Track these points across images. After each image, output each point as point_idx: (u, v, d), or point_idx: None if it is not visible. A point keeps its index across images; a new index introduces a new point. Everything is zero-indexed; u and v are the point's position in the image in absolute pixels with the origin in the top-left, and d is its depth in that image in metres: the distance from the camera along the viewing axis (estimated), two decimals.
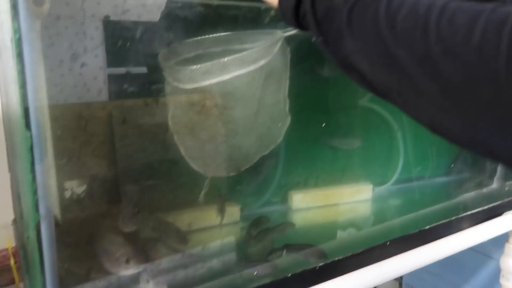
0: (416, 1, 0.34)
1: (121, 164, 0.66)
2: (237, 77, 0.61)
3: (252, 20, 0.73)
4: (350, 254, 0.72)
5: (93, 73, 0.61)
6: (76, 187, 0.62)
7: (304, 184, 0.93)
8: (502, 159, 0.32)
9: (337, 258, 0.70)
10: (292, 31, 0.66)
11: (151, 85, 0.68)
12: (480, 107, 0.30)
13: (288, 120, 0.70)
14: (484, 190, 1.08)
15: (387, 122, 1.00)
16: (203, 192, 0.70)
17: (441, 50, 0.31)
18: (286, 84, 0.68)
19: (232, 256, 0.74)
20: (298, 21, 0.43)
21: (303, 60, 0.76)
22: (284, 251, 0.81)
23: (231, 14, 0.71)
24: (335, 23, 0.39)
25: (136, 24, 0.62)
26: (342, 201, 0.96)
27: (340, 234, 0.87)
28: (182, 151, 0.65)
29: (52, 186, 0.56)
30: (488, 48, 0.29)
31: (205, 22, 0.69)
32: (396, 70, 0.35)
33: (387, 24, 0.35)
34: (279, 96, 0.67)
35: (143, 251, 0.61)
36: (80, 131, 0.62)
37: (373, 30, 0.36)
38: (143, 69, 0.67)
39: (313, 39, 0.42)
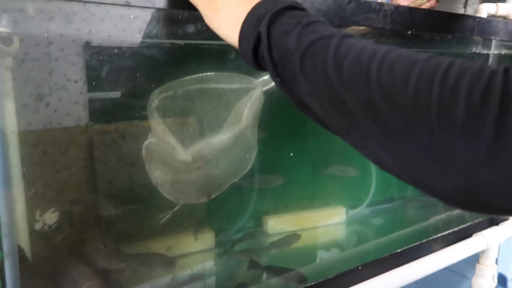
0: (360, 49, 0.37)
1: (101, 190, 0.66)
2: None
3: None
4: (322, 280, 0.72)
5: (74, 98, 0.61)
6: (49, 217, 0.61)
7: (278, 209, 0.93)
8: (441, 198, 0.34)
9: (309, 284, 0.71)
10: (270, 85, 0.69)
11: (131, 111, 0.68)
12: (417, 150, 0.32)
13: (256, 150, 0.73)
14: (455, 212, 1.10)
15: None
16: (164, 218, 0.71)
17: (381, 96, 0.34)
18: (257, 115, 0.69)
19: (207, 284, 0.74)
20: (257, 63, 0.45)
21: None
22: (264, 274, 0.81)
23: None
24: (289, 66, 0.41)
25: (117, 49, 0.62)
26: (316, 225, 0.97)
27: (314, 258, 0.87)
28: (153, 179, 0.65)
29: (20, 218, 0.55)
30: (422, 96, 0.31)
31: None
32: (344, 113, 0.37)
33: (334, 71, 0.37)
34: (248, 127, 0.68)
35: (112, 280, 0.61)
36: (59, 156, 0.62)
37: (323, 75, 0.38)
38: (124, 95, 0.68)
39: (272, 80, 0.44)
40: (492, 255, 1.00)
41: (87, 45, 0.57)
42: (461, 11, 1.23)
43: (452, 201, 0.33)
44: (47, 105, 0.56)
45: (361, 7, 0.68)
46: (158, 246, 0.74)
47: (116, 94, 0.67)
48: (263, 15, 0.43)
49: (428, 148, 0.31)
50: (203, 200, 0.70)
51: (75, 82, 0.58)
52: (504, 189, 0.29)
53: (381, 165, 0.37)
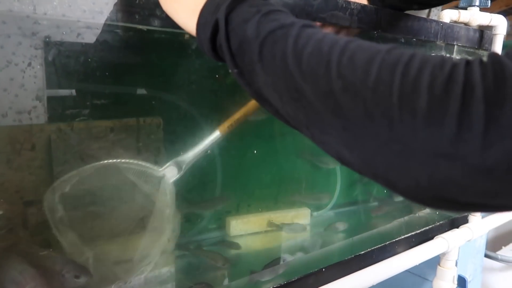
0: (320, 39, 0.36)
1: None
2: None
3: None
4: (285, 282, 0.70)
5: (31, 95, 0.56)
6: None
7: (241, 210, 0.91)
8: (403, 194, 0.33)
9: (271, 287, 0.68)
10: (176, 176, 0.68)
11: (91, 108, 0.65)
12: (377, 143, 0.31)
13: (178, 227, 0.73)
14: (418, 214, 1.11)
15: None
16: None
17: (341, 86, 0.32)
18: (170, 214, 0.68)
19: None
20: (215, 53, 0.43)
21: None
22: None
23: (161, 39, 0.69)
24: (248, 56, 0.39)
25: (77, 45, 0.59)
26: (281, 226, 0.95)
27: (277, 260, 0.85)
28: None
29: None
30: (383, 86, 0.30)
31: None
32: (303, 105, 0.35)
33: (293, 60, 0.35)
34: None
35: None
36: (14, 155, 0.58)
37: (281, 65, 0.36)
38: (83, 91, 0.64)
39: (230, 70, 0.42)
40: (452, 257, 1.01)
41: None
42: (423, 16, 1.25)
43: (414, 196, 0.32)
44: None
45: (328, 4, 0.67)
46: (114, 247, 0.70)
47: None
48: (222, 2, 0.41)
49: (389, 142, 0.30)
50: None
51: None
52: (467, 184, 0.28)
53: (341, 160, 0.35)
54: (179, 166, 0.69)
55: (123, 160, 0.65)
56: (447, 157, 0.28)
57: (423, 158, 0.29)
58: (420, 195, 0.31)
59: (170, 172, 0.68)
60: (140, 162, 0.66)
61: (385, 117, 0.30)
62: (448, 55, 1.03)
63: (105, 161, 0.64)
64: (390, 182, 0.32)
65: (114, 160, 0.64)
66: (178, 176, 0.68)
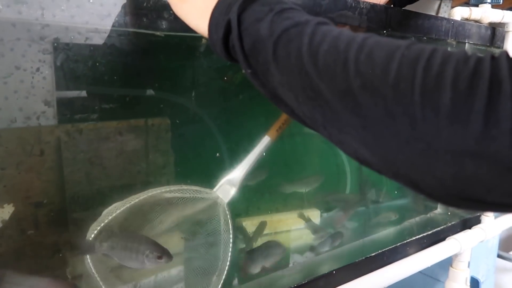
0: (336, 36, 0.34)
1: (69, 191, 0.61)
2: None
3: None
4: (295, 285, 0.70)
5: (41, 96, 0.57)
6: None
7: (251, 211, 0.90)
8: (427, 194, 0.32)
9: None
10: (231, 196, 0.63)
11: (101, 110, 0.64)
12: (399, 142, 0.30)
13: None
14: (429, 215, 1.10)
15: (334, 148, 1.00)
16: None
17: (360, 84, 0.31)
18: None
19: None
20: (229, 54, 0.42)
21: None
22: None
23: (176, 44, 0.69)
24: (262, 55, 0.38)
25: (86, 47, 0.59)
26: (290, 228, 0.94)
27: (287, 262, 0.85)
28: None
29: None
30: (403, 83, 0.29)
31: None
32: (319, 104, 0.34)
33: (309, 59, 0.34)
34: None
35: None
36: (25, 157, 0.58)
37: (297, 64, 0.35)
38: (93, 93, 0.64)
39: (243, 71, 0.41)
40: (465, 259, 1.00)
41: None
42: (432, 13, 1.24)
43: (438, 197, 0.31)
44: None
45: (337, 4, 0.67)
46: None
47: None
48: (234, 1, 0.40)
49: (411, 140, 0.29)
50: None
51: None
52: (495, 183, 0.27)
53: (360, 160, 0.34)
54: (232, 184, 0.64)
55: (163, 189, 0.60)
56: (473, 156, 0.27)
57: (448, 157, 0.28)
58: (444, 195, 0.30)
59: (224, 192, 0.63)
60: (185, 187, 0.61)
61: (407, 115, 0.29)
62: None
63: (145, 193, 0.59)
64: (412, 182, 0.31)
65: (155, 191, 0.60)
66: (233, 195, 0.63)
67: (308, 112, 0.36)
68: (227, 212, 0.63)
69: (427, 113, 0.28)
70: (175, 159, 0.71)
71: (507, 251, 1.44)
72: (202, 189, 0.62)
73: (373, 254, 0.83)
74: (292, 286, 0.69)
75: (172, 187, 0.61)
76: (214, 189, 0.63)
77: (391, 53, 0.31)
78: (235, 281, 0.78)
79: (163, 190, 0.60)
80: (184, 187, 0.62)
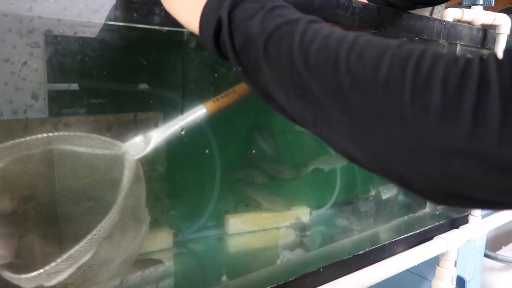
0: (327, 35, 0.35)
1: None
2: None
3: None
4: (283, 281, 0.70)
5: (32, 88, 0.56)
6: None
7: (240, 208, 0.91)
8: (416, 192, 0.32)
9: (269, 287, 0.68)
10: (142, 154, 0.57)
11: (94, 102, 0.64)
12: (389, 140, 0.30)
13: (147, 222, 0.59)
14: (417, 214, 1.11)
15: (324, 146, 1.01)
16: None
17: (350, 83, 0.31)
18: (142, 197, 0.57)
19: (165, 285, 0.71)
20: (219, 51, 0.42)
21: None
22: None
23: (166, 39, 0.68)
24: (252, 53, 0.38)
25: (78, 39, 0.58)
26: (279, 225, 0.95)
27: (275, 259, 0.85)
28: None
29: None
30: (394, 83, 0.30)
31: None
32: (310, 102, 0.35)
33: (300, 57, 0.35)
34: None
35: None
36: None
37: (288, 62, 0.35)
38: (85, 85, 0.64)
39: (233, 68, 0.41)
40: (451, 258, 1.01)
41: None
42: (426, 14, 1.24)
43: (427, 194, 0.32)
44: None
45: (329, 2, 0.67)
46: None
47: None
48: None
49: (400, 139, 0.30)
50: None
51: None
52: (483, 181, 0.27)
53: (350, 158, 0.35)
54: (147, 140, 0.58)
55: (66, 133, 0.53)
56: (462, 154, 0.27)
57: (437, 155, 0.28)
58: (433, 193, 0.31)
59: (135, 148, 0.56)
60: (91, 135, 0.54)
61: (397, 114, 0.29)
62: None
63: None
64: (402, 180, 0.32)
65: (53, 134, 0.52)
66: (145, 152, 0.57)
67: (299, 110, 0.37)
68: (137, 167, 0.56)
69: (417, 112, 0.28)
70: None
71: (494, 250, 1.46)
72: (109, 139, 0.56)
73: (361, 252, 0.84)
74: (280, 283, 0.70)
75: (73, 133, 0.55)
76: (125, 143, 0.57)
77: (382, 52, 0.31)
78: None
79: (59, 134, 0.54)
80: (91, 135, 0.56)
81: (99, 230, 0.48)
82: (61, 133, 0.55)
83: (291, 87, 0.36)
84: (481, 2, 1.02)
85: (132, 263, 0.58)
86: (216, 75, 0.77)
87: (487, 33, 1.01)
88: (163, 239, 0.79)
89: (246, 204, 0.91)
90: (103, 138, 0.56)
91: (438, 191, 0.30)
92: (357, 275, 0.81)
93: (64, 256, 0.46)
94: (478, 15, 0.99)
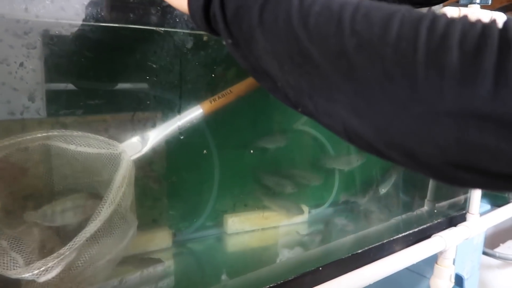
0: None
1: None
2: None
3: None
4: (282, 281, 0.70)
5: (30, 88, 0.56)
6: None
7: (239, 207, 0.91)
8: (424, 166, 0.30)
9: (268, 286, 0.68)
10: (139, 154, 0.57)
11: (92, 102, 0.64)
12: (396, 106, 0.28)
13: (135, 226, 0.59)
14: (415, 212, 1.11)
15: (322, 145, 1.01)
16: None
17: (355, 44, 0.29)
18: (131, 200, 0.56)
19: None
20: (209, 25, 0.40)
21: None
22: None
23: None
24: (246, 22, 0.36)
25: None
26: (278, 224, 0.95)
27: (274, 259, 0.85)
28: None
29: None
30: (405, 43, 0.27)
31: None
32: (307, 71, 0.33)
33: (299, 20, 0.32)
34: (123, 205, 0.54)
35: None
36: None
37: (285, 27, 0.33)
38: (83, 85, 0.63)
39: (223, 42, 0.39)
40: (449, 256, 1.01)
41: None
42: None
43: (436, 168, 0.29)
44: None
45: None
46: None
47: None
48: None
49: (409, 103, 0.27)
50: None
51: None
52: (502, 148, 0.25)
53: (348, 133, 0.33)
54: (144, 142, 0.58)
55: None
56: (480, 118, 0.25)
57: (451, 121, 0.26)
58: (443, 165, 0.28)
59: (131, 148, 0.56)
60: (88, 134, 0.54)
61: (407, 76, 0.27)
62: None
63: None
64: (407, 151, 0.29)
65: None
66: (142, 152, 0.58)
67: (294, 81, 0.34)
68: (131, 168, 0.56)
69: (430, 73, 0.26)
70: None
71: (492, 248, 1.46)
72: (107, 139, 0.56)
73: (359, 251, 0.84)
74: (279, 282, 0.70)
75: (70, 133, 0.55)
76: (122, 143, 0.57)
77: (391, 13, 0.29)
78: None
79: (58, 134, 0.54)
80: (88, 134, 0.56)
81: (91, 228, 0.48)
82: (59, 131, 0.55)
83: (287, 56, 0.34)
84: (478, 1, 1.02)
85: (115, 264, 0.57)
86: (213, 75, 0.77)
87: None
88: (162, 239, 0.79)
89: (245, 204, 0.91)
90: (101, 137, 0.56)
91: (449, 162, 0.28)
92: (356, 273, 0.81)
93: (55, 255, 0.45)
94: (475, 14, 0.99)
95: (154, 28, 0.52)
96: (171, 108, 0.70)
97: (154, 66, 0.72)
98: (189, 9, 0.41)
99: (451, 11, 0.98)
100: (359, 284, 0.81)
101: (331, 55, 0.31)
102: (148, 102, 0.70)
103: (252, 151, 0.87)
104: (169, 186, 0.79)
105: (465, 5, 1.04)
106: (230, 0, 0.37)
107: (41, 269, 0.45)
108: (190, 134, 0.71)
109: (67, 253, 0.46)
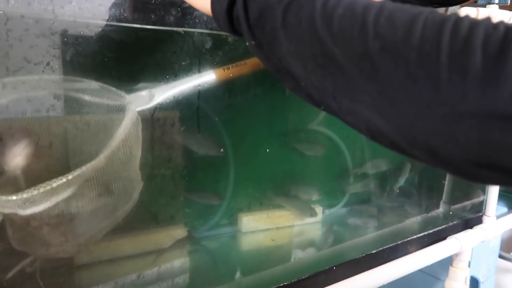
0: (351, 1, 0.33)
1: None
2: None
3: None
4: (296, 279, 0.71)
5: (49, 87, 0.57)
6: None
7: (253, 207, 0.91)
8: (445, 164, 0.30)
9: (282, 284, 0.69)
10: (144, 106, 0.56)
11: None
12: (419, 106, 0.29)
13: (141, 186, 0.58)
14: (430, 214, 1.10)
15: (337, 145, 1.01)
16: None
17: (379, 46, 0.30)
18: (137, 143, 0.55)
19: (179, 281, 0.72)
20: (232, 27, 0.41)
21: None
22: None
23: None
24: (269, 24, 0.37)
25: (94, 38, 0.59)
26: (292, 224, 0.95)
27: (288, 258, 0.86)
28: None
29: None
30: (429, 45, 0.28)
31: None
32: (331, 72, 0.33)
33: (323, 23, 0.33)
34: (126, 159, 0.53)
35: None
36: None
37: (309, 29, 0.34)
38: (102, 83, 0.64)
39: (247, 43, 0.40)
40: (465, 258, 1.01)
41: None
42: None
43: (458, 165, 0.29)
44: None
45: None
46: (129, 241, 0.71)
47: None
48: None
49: (433, 104, 0.28)
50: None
51: None
52: None
53: (371, 131, 0.33)
54: (151, 97, 0.59)
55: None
56: (503, 119, 0.26)
57: (473, 121, 0.27)
58: (465, 163, 0.29)
59: (138, 101, 0.56)
60: (96, 82, 0.54)
61: (430, 78, 0.28)
62: None
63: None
64: (430, 150, 0.30)
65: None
66: (148, 106, 0.58)
67: (317, 82, 0.35)
68: (137, 122, 0.55)
69: (453, 75, 0.27)
70: None
71: (509, 251, 1.44)
72: (114, 89, 0.55)
73: (373, 252, 0.84)
74: (292, 281, 0.70)
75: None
76: (129, 95, 0.57)
77: (414, 16, 0.30)
78: None
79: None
80: (96, 83, 0.55)
81: (82, 169, 0.46)
82: (69, 77, 0.54)
83: (311, 57, 0.34)
84: (496, 1, 1.01)
85: (110, 227, 0.56)
86: None
87: None
88: (177, 236, 0.80)
89: (260, 203, 0.91)
90: (109, 87, 0.56)
91: (471, 161, 0.28)
92: (370, 274, 0.81)
93: (41, 186, 0.44)
94: (494, 14, 0.98)
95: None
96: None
97: None
98: (212, 11, 0.42)
99: (469, 12, 0.98)
100: (372, 284, 0.81)
101: (355, 56, 0.31)
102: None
103: (268, 150, 0.87)
104: (186, 184, 0.80)
105: (483, 6, 1.03)
106: (253, 3, 0.38)
107: (23, 196, 0.43)
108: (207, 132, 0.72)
109: (53, 185, 0.44)
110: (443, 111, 0.28)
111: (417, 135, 0.30)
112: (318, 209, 0.99)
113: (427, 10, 0.30)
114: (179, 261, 0.77)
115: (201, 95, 0.74)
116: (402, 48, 0.29)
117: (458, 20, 0.28)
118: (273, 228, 0.92)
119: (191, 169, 0.80)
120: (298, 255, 0.87)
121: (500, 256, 1.33)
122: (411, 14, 0.30)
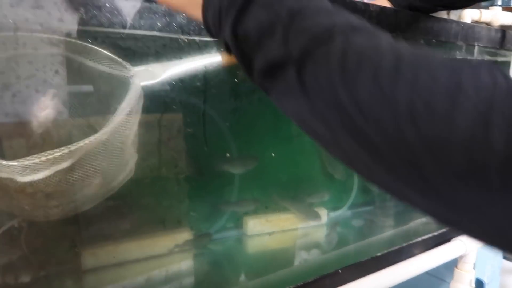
0: (373, 56, 0.28)
1: None
2: None
3: None
4: (302, 283, 0.71)
5: (53, 91, 0.58)
6: None
7: (259, 210, 0.92)
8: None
9: (288, 287, 0.69)
10: (149, 81, 0.56)
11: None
12: (479, 209, 0.26)
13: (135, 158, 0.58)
14: None
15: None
16: None
17: (423, 147, 0.26)
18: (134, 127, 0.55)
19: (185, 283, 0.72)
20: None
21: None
22: None
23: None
24: (281, 82, 0.32)
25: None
26: (297, 227, 0.96)
27: (294, 261, 0.86)
28: None
29: None
30: (478, 145, 0.24)
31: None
32: (364, 146, 0.29)
33: (346, 93, 0.28)
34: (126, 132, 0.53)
35: None
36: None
37: (331, 96, 0.29)
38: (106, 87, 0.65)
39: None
40: (470, 260, 1.00)
41: None
42: (444, 16, 1.23)
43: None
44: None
45: (346, 7, 0.67)
46: (133, 245, 0.72)
47: None
48: (224, 7, 0.34)
49: (486, 208, 0.25)
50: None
51: None
52: None
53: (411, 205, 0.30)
54: (156, 72, 0.58)
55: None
56: None
57: None
58: None
59: (143, 75, 0.55)
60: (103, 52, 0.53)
61: (479, 185, 0.24)
62: (468, 57, 1.01)
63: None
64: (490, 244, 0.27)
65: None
66: (153, 82, 0.57)
67: (347, 146, 0.30)
68: (140, 95, 0.54)
69: (508, 185, 0.23)
70: None
71: None
72: (120, 60, 0.54)
73: (379, 254, 0.84)
74: (299, 284, 0.70)
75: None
76: (135, 68, 0.55)
77: (453, 95, 0.25)
78: None
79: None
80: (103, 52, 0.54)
81: (87, 141, 0.46)
82: (77, 41, 0.53)
83: (339, 125, 0.29)
84: (499, 3, 1.01)
85: (104, 196, 0.56)
86: None
87: (506, 34, 1.01)
88: (183, 239, 0.80)
89: (266, 206, 0.92)
90: (115, 57, 0.55)
91: None
92: (375, 277, 0.81)
93: (42, 155, 0.43)
94: (497, 16, 0.98)
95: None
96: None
97: None
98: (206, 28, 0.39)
99: (472, 14, 0.98)
100: (378, 287, 0.81)
101: (393, 147, 0.27)
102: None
103: (273, 154, 0.88)
104: (192, 187, 0.80)
105: (487, 7, 1.04)
106: (259, 58, 0.33)
107: (23, 163, 0.42)
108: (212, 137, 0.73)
109: (55, 154, 0.44)
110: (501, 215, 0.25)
111: (473, 232, 0.28)
112: (323, 212, 0.99)
113: (467, 68, 0.26)
114: (185, 264, 0.78)
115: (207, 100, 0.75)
116: (444, 146, 0.25)
117: (503, 99, 0.24)
118: (278, 231, 0.92)
119: (198, 174, 0.80)
120: (304, 258, 0.87)
121: (505, 257, 1.33)
122: (449, 93, 0.25)
